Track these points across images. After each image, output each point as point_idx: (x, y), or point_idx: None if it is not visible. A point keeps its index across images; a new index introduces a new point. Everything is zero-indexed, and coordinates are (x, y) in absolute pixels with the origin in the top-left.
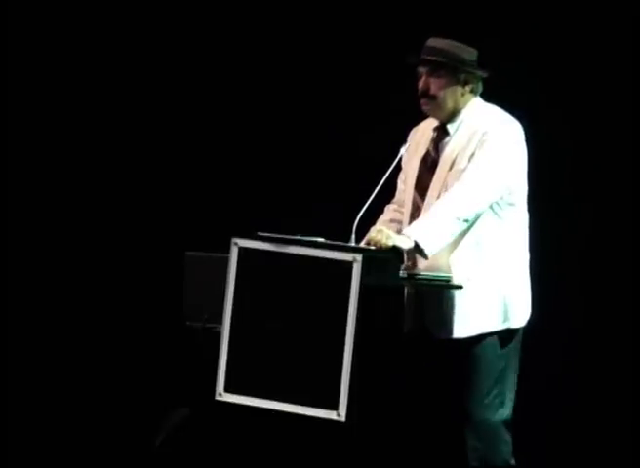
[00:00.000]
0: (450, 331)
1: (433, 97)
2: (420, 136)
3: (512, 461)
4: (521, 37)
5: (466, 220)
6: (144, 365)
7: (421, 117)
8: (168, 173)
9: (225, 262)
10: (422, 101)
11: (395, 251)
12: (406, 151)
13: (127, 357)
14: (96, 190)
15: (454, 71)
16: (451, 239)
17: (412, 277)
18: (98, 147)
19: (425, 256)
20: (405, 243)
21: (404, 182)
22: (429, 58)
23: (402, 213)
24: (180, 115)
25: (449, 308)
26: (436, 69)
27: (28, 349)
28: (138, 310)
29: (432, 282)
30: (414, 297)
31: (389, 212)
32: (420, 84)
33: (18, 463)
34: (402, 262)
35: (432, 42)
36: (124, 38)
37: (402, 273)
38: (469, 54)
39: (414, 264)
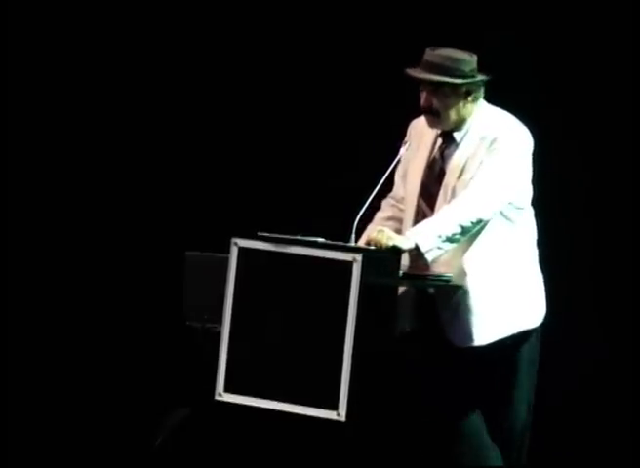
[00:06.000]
0: (470, 338)
1: (437, 113)
2: (422, 132)
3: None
4: (520, 35)
5: (470, 228)
6: (145, 365)
7: (419, 114)
8: (168, 173)
9: (225, 262)
10: (426, 117)
11: (395, 251)
12: (407, 147)
13: (127, 357)
14: (96, 190)
15: (454, 87)
16: (453, 245)
17: (412, 277)
18: (97, 148)
19: (425, 260)
20: (405, 244)
21: (402, 178)
22: (428, 77)
23: (399, 208)
24: (180, 116)
25: (466, 315)
26: (436, 88)
27: (29, 349)
28: (138, 310)
29: (433, 282)
30: (418, 299)
31: (387, 207)
32: (422, 101)
33: (18, 463)
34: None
35: (430, 56)
36: (124, 38)
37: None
38: (468, 64)
39: (427, 269)
